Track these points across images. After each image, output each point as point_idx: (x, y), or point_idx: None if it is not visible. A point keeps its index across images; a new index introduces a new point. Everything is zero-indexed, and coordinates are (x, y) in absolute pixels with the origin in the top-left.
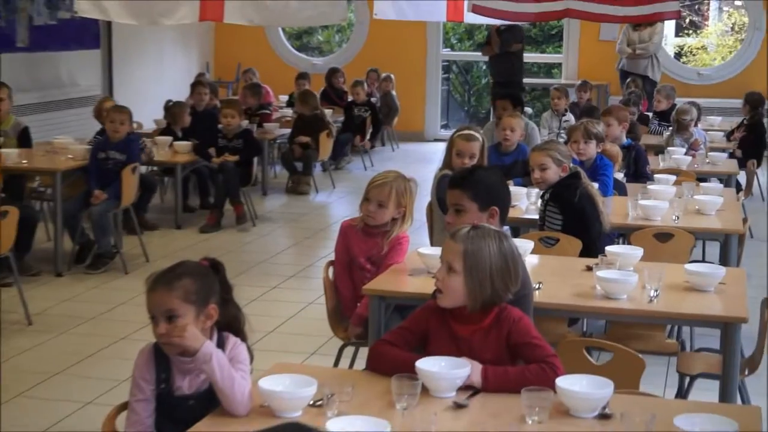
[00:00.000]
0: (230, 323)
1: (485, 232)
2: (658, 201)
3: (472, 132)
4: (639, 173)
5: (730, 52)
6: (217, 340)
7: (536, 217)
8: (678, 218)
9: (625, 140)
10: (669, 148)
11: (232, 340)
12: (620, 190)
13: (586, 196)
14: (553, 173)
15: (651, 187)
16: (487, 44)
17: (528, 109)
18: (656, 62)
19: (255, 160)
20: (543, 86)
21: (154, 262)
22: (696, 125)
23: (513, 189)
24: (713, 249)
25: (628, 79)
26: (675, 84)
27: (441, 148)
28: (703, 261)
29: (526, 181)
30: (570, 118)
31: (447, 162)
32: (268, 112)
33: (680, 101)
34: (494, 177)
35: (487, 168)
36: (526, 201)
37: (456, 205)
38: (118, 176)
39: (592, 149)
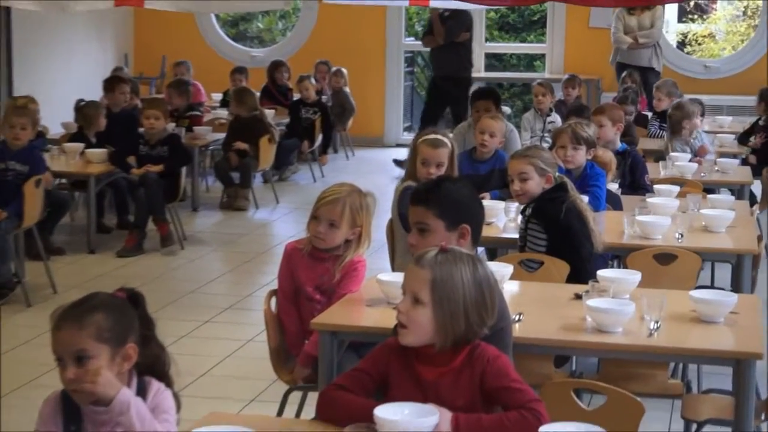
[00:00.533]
0: (152, 365)
1: (456, 256)
2: (658, 216)
3: (439, 137)
4: (636, 184)
5: (742, 41)
6: (136, 386)
7: (516, 236)
8: (682, 236)
9: (619, 145)
10: (672, 154)
11: (155, 385)
12: (614, 203)
13: (574, 212)
14: (536, 184)
15: (650, 200)
16: (429, 34)
17: (506, 109)
18: (659, 51)
19: (183, 170)
20: (524, 81)
21: (63, 293)
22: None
23: (488, 203)
24: (724, 272)
25: (624, 73)
26: (677, 78)
27: (404, 154)
28: (712, 287)
29: (505, 194)
30: (555, 118)
31: (410, 172)
32: (198, 113)
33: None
34: (464, 190)
35: (456, 179)
36: (503, 217)
37: (419, 223)
38: (19, 191)
39: (581, 156)
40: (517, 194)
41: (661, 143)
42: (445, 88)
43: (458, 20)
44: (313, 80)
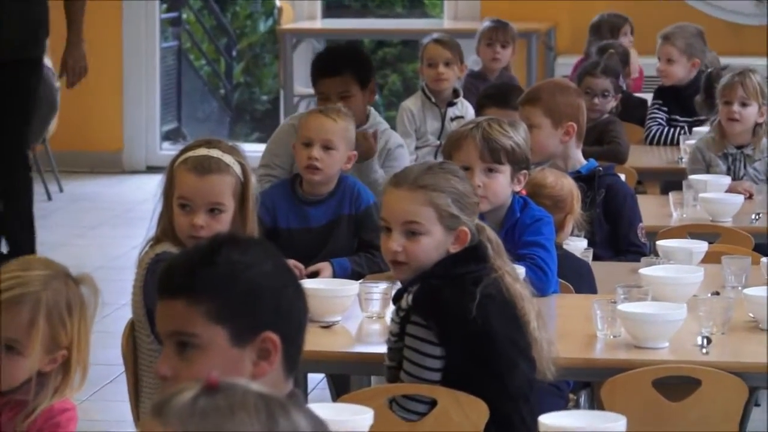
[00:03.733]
0: None
1: (237, 401)
2: (663, 305)
3: (213, 153)
4: (621, 239)
5: None
6: None
7: (382, 349)
8: (709, 342)
9: (583, 162)
10: (693, 178)
11: None
12: (579, 278)
13: (498, 301)
14: (434, 246)
15: (647, 270)
16: None
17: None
18: None
19: None
20: (404, 37)
21: None
22: None
23: (326, 286)
24: None
25: (596, 18)
26: (710, 23)
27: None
28: None
29: (363, 265)
30: (465, 109)
31: (166, 226)
32: None
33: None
34: (266, 264)
35: (251, 242)
36: (356, 313)
37: (178, 334)
38: None
39: (500, 185)
40: (395, 263)
41: (672, 156)
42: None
43: None
44: None
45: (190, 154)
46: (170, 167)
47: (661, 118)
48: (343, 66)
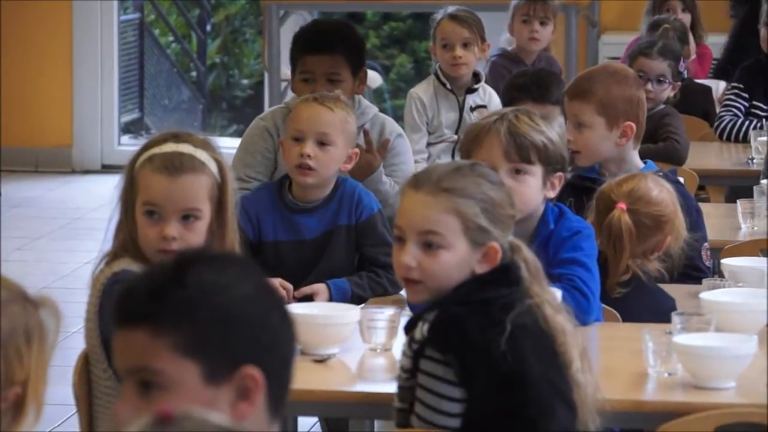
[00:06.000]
0: None
1: None
2: (728, 338)
3: (183, 148)
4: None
5: None
6: None
7: (386, 388)
8: None
9: (638, 165)
10: (767, 183)
11: None
12: (632, 304)
13: (531, 334)
14: (456, 263)
15: (707, 296)
16: None
17: (373, 76)
18: None
19: None
20: (416, 8)
21: None
22: None
23: (320, 311)
24: None
25: None
26: None
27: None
28: None
29: (365, 287)
30: (488, 96)
31: (126, 238)
32: None
33: None
34: (246, 285)
35: (227, 258)
36: (358, 344)
37: (140, 370)
38: None
39: (530, 190)
40: (408, 281)
41: (740, 155)
42: None
43: None
44: None
45: (156, 150)
46: (131, 167)
47: (739, 107)
48: (336, 43)
